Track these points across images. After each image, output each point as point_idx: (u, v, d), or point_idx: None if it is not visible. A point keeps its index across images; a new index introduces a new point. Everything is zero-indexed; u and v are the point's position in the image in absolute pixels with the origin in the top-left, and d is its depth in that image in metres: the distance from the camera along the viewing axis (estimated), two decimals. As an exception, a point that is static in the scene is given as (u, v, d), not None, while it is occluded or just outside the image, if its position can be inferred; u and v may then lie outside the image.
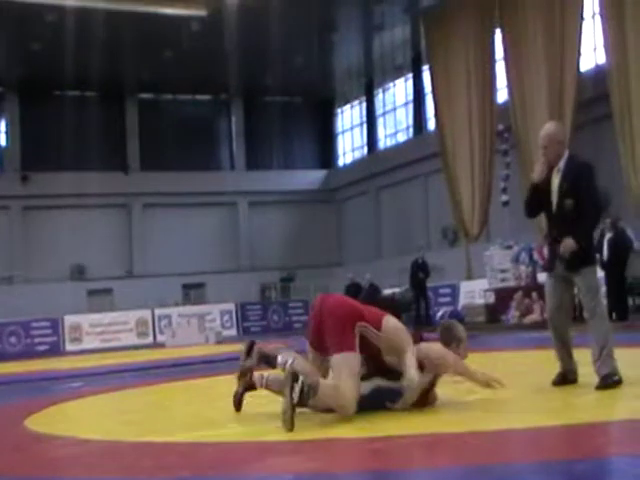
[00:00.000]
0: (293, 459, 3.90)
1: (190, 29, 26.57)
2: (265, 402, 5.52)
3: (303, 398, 4.61)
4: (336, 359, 4.87)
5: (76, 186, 31.85)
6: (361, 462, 3.81)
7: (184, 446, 4.53)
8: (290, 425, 4.54)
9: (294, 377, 4.66)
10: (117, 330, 24.85)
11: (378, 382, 5.07)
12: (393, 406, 4.98)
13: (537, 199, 6.03)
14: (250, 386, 5.35)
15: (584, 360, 8.09)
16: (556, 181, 5.81)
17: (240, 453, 4.25)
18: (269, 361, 5.22)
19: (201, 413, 5.85)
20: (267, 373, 5.29)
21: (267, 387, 5.28)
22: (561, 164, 5.76)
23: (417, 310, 19.53)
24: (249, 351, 5.33)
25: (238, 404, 5.42)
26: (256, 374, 5.32)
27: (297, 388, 4.60)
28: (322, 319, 5.03)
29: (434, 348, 5.16)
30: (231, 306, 26.14)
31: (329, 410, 4.91)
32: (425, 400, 5.11)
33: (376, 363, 5.11)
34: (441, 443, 4.05)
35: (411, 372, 4.92)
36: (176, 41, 27.62)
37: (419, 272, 20.07)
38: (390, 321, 5.14)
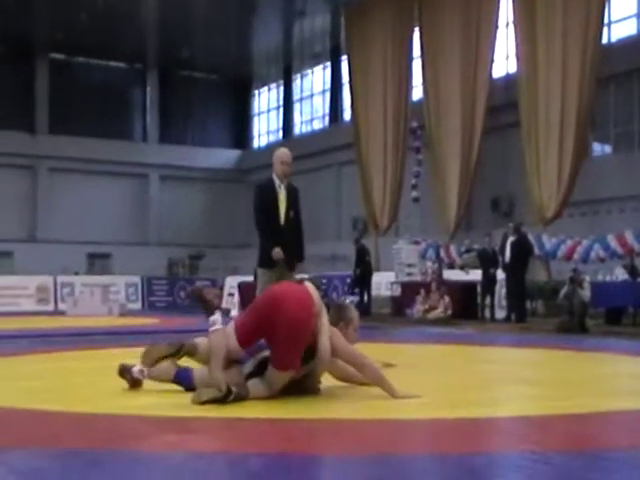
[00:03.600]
0: (192, 436, 3.82)
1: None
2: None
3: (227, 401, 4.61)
4: (272, 372, 4.76)
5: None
6: (261, 444, 3.70)
7: (80, 417, 4.37)
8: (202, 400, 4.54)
9: (229, 393, 4.59)
10: (16, 295, 24.13)
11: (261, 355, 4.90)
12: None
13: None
14: (135, 382, 5.14)
15: (501, 358, 8.68)
16: (283, 194, 7.40)
17: (138, 427, 4.10)
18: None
19: (100, 384, 5.52)
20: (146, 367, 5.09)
21: (150, 377, 5.10)
22: (285, 182, 7.49)
23: (361, 297, 18.30)
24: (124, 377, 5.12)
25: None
26: (135, 369, 5.11)
27: (229, 398, 4.58)
28: (275, 323, 4.69)
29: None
30: (137, 279, 25.80)
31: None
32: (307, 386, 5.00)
33: None
34: (343, 430, 4.05)
35: (325, 344, 4.82)
36: (93, 3, 27.06)
37: (366, 256, 18.85)
38: (315, 293, 4.94)
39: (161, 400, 4.77)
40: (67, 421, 4.28)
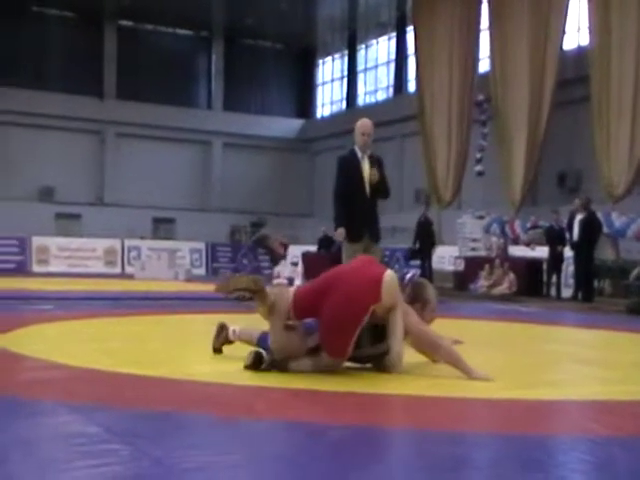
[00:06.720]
0: (277, 406, 3.90)
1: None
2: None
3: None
4: (325, 356, 4.72)
5: (49, 107, 31.62)
6: (339, 415, 3.77)
7: (164, 381, 4.44)
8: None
9: (258, 358, 4.72)
10: (85, 257, 24.76)
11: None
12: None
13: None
14: (227, 341, 5.38)
15: (553, 337, 8.61)
16: (367, 164, 7.46)
17: (223, 394, 4.18)
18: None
19: (177, 349, 5.61)
20: (238, 327, 5.34)
21: (239, 339, 5.33)
22: (368, 152, 7.52)
23: (422, 270, 18.10)
24: (219, 333, 5.39)
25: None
26: (230, 328, 5.36)
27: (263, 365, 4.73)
28: (327, 303, 4.60)
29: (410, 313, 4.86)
30: (201, 245, 26.19)
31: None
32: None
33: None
34: (415, 405, 4.10)
35: (396, 348, 4.71)
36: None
37: (431, 226, 18.73)
38: (388, 284, 4.66)
39: (240, 367, 4.81)
40: (151, 384, 4.37)
